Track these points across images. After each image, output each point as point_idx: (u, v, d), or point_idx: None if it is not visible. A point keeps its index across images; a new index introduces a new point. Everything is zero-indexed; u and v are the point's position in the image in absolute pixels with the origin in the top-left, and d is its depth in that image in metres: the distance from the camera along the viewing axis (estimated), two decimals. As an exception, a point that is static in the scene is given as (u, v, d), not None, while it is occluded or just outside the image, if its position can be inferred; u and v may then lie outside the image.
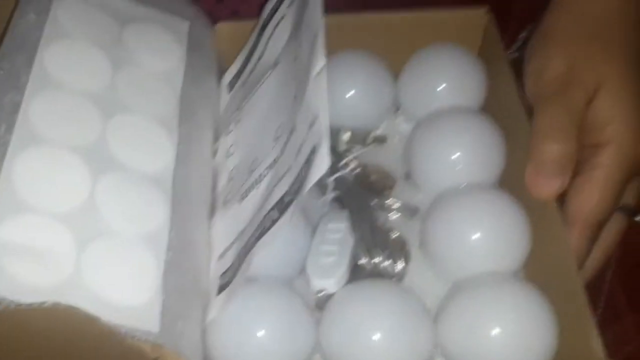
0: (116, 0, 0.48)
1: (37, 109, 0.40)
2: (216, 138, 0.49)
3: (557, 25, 0.47)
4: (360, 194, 0.47)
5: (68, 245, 0.36)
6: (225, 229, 0.44)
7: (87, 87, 0.42)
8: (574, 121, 0.43)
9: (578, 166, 0.44)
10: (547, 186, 0.43)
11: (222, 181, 0.47)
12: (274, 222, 0.37)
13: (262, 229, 0.38)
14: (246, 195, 0.43)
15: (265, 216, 0.38)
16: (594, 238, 0.44)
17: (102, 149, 0.40)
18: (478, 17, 0.53)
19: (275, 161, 0.41)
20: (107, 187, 0.39)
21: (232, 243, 0.42)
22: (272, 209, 0.38)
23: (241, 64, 0.52)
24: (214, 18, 0.53)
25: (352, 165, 0.49)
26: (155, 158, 0.42)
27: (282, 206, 0.37)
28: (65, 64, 0.42)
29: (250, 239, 0.39)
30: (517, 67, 0.49)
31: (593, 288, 0.46)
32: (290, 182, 0.37)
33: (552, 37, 0.47)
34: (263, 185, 0.41)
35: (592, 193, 0.43)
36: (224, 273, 0.41)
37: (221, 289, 0.41)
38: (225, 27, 0.53)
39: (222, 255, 0.42)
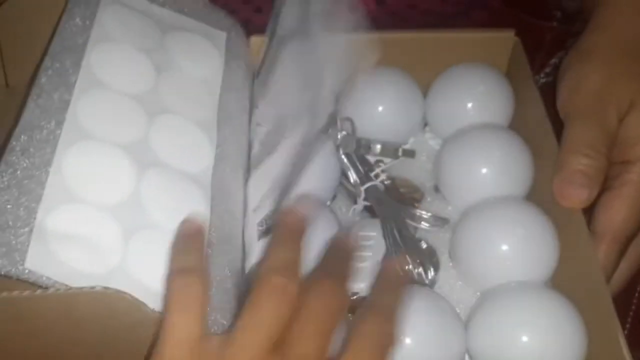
0: (158, 9, 0.49)
1: (85, 107, 0.41)
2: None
3: (595, 45, 0.48)
4: (391, 204, 0.47)
5: (115, 236, 0.37)
6: (258, 183, 0.45)
7: (131, 88, 0.43)
8: (605, 139, 0.44)
9: (608, 182, 0.45)
10: (575, 196, 0.44)
11: (255, 148, 0.49)
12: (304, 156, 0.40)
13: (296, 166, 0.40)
14: (276, 150, 0.44)
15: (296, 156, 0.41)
16: (622, 252, 0.45)
17: (146, 147, 0.42)
18: (506, 40, 0.54)
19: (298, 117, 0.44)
20: (151, 183, 0.40)
21: (267, 192, 0.43)
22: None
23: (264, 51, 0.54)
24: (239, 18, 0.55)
25: (382, 177, 0.50)
26: (195, 159, 0.43)
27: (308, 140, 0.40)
28: (111, 66, 0.44)
29: (286, 179, 0.41)
30: (547, 92, 0.50)
31: (619, 308, 0.48)
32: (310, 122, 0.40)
33: (588, 55, 0.48)
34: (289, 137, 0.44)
35: (621, 208, 0.44)
36: (263, 220, 0.43)
37: (262, 235, 0.42)
38: (257, 40, 0.54)
39: (257, 207, 0.44)
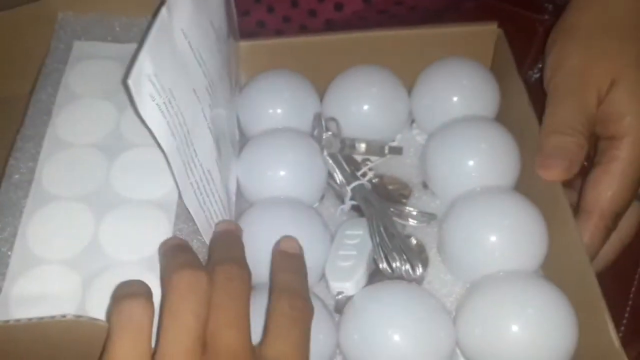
0: (127, 48, 0.50)
1: (47, 173, 0.44)
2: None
3: (577, 22, 0.48)
4: (378, 202, 0.47)
5: (75, 286, 0.40)
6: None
7: (93, 138, 0.46)
8: (583, 119, 0.45)
9: (596, 158, 0.45)
10: (556, 166, 0.44)
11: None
12: None
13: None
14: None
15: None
16: (609, 230, 0.45)
17: (107, 189, 0.44)
18: (489, 33, 0.54)
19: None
20: (110, 225, 0.42)
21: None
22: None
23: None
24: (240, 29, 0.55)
25: (369, 175, 0.50)
26: (159, 183, 0.44)
27: None
28: (74, 124, 0.46)
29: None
30: (540, 88, 0.50)
31: (616, 305, 0.46)
32: None
33: (571, 33, 0.48)
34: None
35: (610, 185, 0.44)
36: None
37: None
38: (243, 46, 0.55)
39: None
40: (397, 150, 0.53)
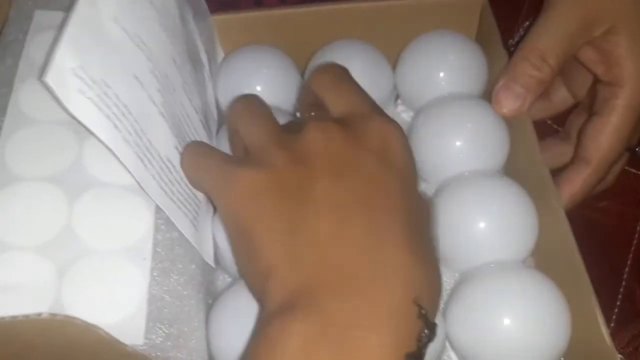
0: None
1: (11, 151, 0.40)
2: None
3: None
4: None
5: (49, 274, 0.37)
6: None
7: (61, 114, 0.40)
8: (560, 49, 0.45)
9: (596, 106, 0.46)
10: (508, 105, 0.46)
11: None
12: None
13: None
14: None
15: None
16: (601, 179, 0.47)
17: (79, 171, 0.40)
18: (474, 3, 0.52)
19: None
20: (83, 208, 0.39)
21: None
22: None
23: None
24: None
25: None
26: None
27: None
28: (39, 98, 0.42)
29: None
30: None
31: (609, 288, 0.48)
32: None
33: None
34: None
35: (609, 136, 0.45)
36: None
37: None
38: (219, 19, 0.52)
39: None
40: None
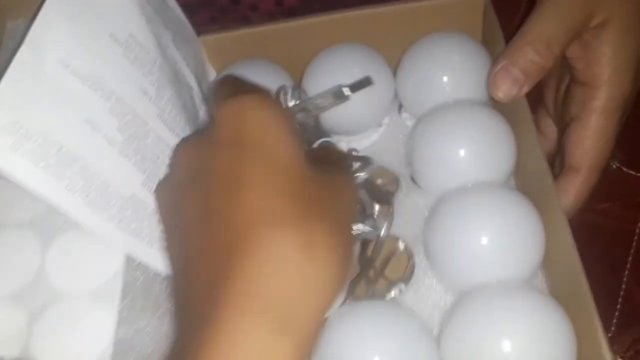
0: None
1: None
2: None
3: None
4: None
5: (20, 321, 0.37)
6: None
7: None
8: (563, 37, 0.43)
9: (574, 109, 0.45)
10: (505, 90, 0.43)
11: None
12: None
13: None
14: None
15: None
16: (595, 183, 0.45)
17: (52, 213, 0.40)
18: (476, 4, 0.49)
19: None
20: (56, 252, 0.39)
21: None
22: None
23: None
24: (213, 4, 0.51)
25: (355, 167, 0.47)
26: None
27: None
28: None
29: None
30: None
31: (610, 290, 0.47)
32: None
33: None
34: None
35: (593, 139, 0.44)
36: None
37: None
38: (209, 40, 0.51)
39: None
40: (363, 84, 0.46)
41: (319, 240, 0.29)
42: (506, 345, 0.37)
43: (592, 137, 0.44)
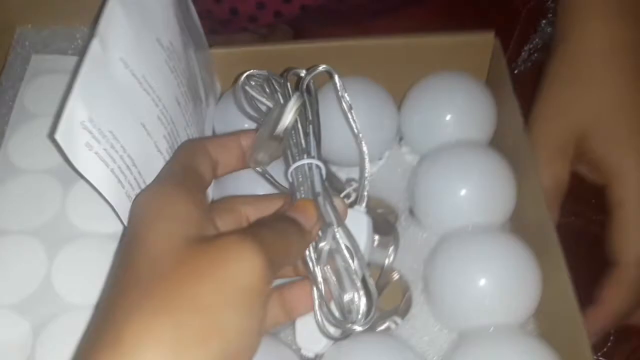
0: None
1: None
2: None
3: (551, 69, 0.48)
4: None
5: (26, 331, 0.37)
6: None
7: (48, 163, 0.42)
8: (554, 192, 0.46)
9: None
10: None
11: None
12: None
13: None
14: None
15: None
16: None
17: (61, 222, 0.40)
18: (484, 42, 0.49)
19: None
20: (63, 262, 0.39)
21: None
22: None
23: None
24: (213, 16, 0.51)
25: (353, 197, 0.45)
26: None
27: None
28: (28, 147, 0.43)
29: None
30: (522, 84, 0.48)
31: None
32: None
33: (546, 81, 0.48)
34: None
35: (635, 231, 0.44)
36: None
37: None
38: (218, 53, 0.50)
39: None
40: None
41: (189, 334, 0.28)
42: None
43: (632, 228, 0.44)
